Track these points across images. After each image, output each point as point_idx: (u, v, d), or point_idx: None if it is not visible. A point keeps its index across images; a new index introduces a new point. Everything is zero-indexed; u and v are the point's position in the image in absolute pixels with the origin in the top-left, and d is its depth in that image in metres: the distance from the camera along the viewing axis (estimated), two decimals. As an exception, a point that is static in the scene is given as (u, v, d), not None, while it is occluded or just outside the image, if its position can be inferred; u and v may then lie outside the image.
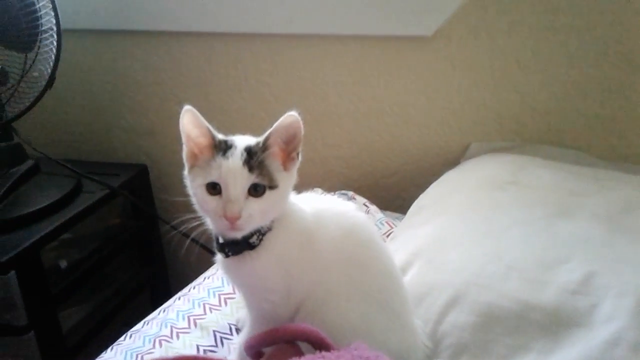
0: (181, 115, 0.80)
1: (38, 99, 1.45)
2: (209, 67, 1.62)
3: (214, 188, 0.78)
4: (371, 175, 1.60)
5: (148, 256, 1.82)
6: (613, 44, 1.28)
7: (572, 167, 1.22)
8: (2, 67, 1.41)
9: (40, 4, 1.35)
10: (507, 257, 0.93)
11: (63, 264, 1.51)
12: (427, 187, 1.31)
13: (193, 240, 1.57)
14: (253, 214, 0.77)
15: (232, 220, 0.76)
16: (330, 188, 1.45)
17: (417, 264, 0.99)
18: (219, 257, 0.87)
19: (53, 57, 1.42)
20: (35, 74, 1.44)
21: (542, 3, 1.29)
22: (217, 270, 1.17)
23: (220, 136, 0.81)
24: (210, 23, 1.55)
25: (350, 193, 1.40)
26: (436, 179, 1.33)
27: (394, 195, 1.59)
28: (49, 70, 1.43)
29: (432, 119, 1.48)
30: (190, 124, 0.80)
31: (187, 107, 0.79)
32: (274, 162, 0.80)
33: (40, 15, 1.35)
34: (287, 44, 1.52)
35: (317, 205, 0.88)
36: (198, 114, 0.79)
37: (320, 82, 1.53)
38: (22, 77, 1.43)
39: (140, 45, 1.66)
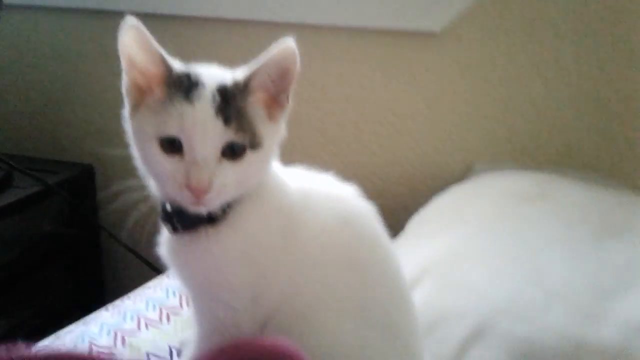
0: (121, 32, 0.57)
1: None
2: (180, 54, 1.40)
3: (171, 144, 0.55)
4: (355, 194, 1.38)
5: (83, 273, 1.54)
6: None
7: (604, 188, 1.02)
8: None
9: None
10: (548, 281, 0.72)
11: (-26, 268, 1.24)
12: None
13: (137, 255, 1.35)
14: (228, 184, 0.55)
15: (199, 194, 0.54)
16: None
17: (426, 282, 0.76)
18: (163, 233, 0.63)
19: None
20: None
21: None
22: (164, 279, 0.91)
23: (178, 65, 0.59)
24: (183, 5, 1.35)
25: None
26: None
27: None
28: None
29: (432, 131, 1.28)
30: (136, 44, 0.57)
31: (130, 22, 0.56)
32: (257, 109, 0.58)
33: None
34: (267, 32, 1.32)
35: (304, 183, 0.65)
36: (146, 32, 0.56)
37: (303, 80, 1.32)
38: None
39: (102, 26, 1.43)
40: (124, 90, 0.60)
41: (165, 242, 0.64)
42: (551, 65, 1.17)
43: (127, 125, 0.61)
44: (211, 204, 0.56)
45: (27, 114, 1.58)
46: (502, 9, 1.16)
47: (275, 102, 0.60)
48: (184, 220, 0.59)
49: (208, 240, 0.59)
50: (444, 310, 0.72)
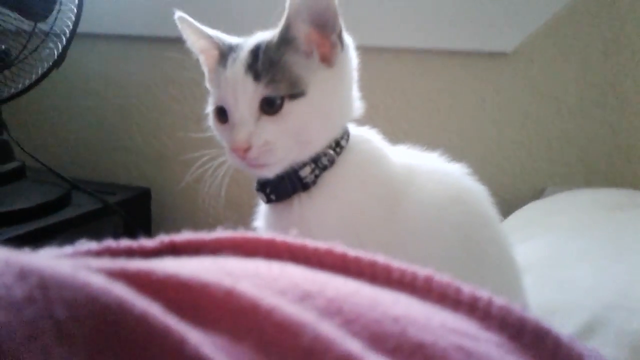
0: (179, 28, 0.61)
1: (39, 80, 1.22)
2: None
3: (221, 113, 0.57)
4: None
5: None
6: None
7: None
8: (5, 48, 1.21)
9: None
10: (663, 276, 0.66)
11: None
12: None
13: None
14: (272, 140, 0.54)
15: (242, 153, 0.54)
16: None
17: (525, 281, 0.71)
18: (260, 206, 0.61)
19: (68, 32, 1.21)
20: (46, 51, 1.23)
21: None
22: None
23: (229, 40, 0.60)
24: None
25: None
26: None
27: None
28: (60, 48, 1.21)
29: (502, 154, 1.25)
30: (192, 34, 0.61)
31: (178, 16, 0.60)
32: (299, 58, 0.56)
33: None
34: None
35: (408, 159, 0.62)
36: (191, 20, 0.60)
37: (364, 100, 1.32)
38: (22, 50, 1.21)
39: (161, 53, 1.45)
40: (206, 81, 0.63)
41: (261, 214, 0.62)
42: (628, 84, 1.13)
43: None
44: (260, 162, 0.55)
45: (87, 139, 1.59)
46: (574, 28, 1.14)
47: (328, 45, 0.58)
48: (276, 189, 0.58)
49: (301, 207, 0.57)
50: (549, 306, 0.66)
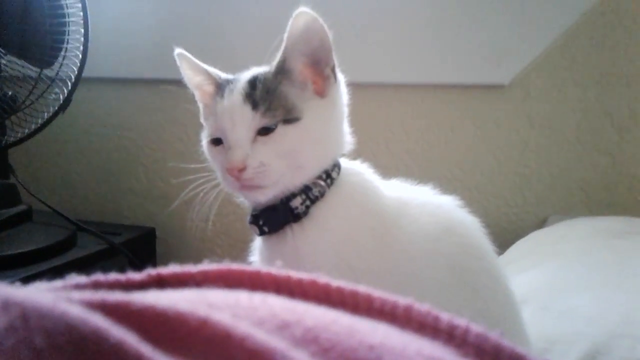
0: (178, 64, 0.65)
1: (45, 124, 1.25)
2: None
3: (217, 139, 0.60)
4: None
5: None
6: None
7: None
8: (12, 94, 1.24)
9: (70, 10, 1.18)
10: (664, 303, 0.66)
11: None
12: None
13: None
14: (266, 161, 0.56)
15: (237, 174, 0.56)
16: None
17: (525, 310, 0.70)
18: (255, 240, 0.64)
19: (73, 77, 1.24)
20: (52, 96, 1.26)
21: (641, 48, 1.12)
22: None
23: (225, 75, 0.63)
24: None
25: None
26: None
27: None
28: (65, 93, 1.24)
29: (503, 185, 1.25)
30: (189, 70, 0.65)
31: (178, 52, 0.64)
32: (294, 88, 0.59)
33: (69, 22, 1.19)
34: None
35: (402, 192, 0.63)
36: (192, 57, 0.64)
37: (366, 136, 1.33)
38: (28, 96, 1.24)
39: (166, 96, 1.48)
40: (201, 117, 0.66)
41: (256, 248, 0.63)
42: (625, 112, 1.15)
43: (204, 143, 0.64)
44: (254, 182, 0.56)
45: (93, 181, 1.61)
46: (570, 59, 1.16)
47: (321, 78, 0.60)
48: (269, 220, 0.59)
49: (294, 238, 0.58)
50: (551, 336, 0.66)
